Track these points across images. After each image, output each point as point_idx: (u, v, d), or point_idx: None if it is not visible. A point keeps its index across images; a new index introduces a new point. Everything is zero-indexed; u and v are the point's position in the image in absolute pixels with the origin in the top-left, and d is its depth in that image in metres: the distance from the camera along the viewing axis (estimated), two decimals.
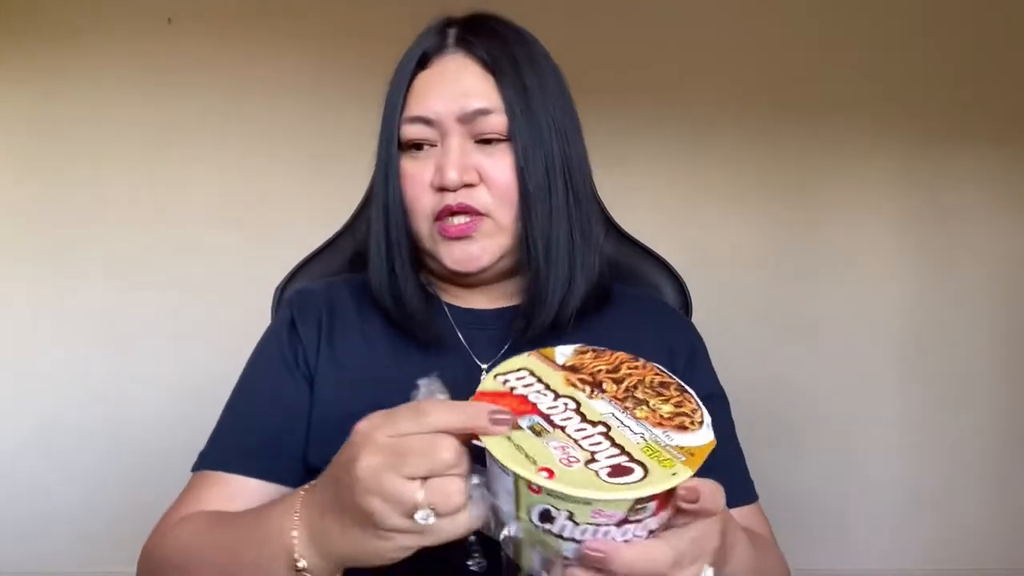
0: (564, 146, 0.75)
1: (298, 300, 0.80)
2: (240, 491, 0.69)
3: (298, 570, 0.52)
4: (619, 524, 0.46)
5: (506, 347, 0.76)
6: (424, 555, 0.51)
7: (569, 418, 0.51)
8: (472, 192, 0.71)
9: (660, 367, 0.57)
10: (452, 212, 0.71)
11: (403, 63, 0.76)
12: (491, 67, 0.73)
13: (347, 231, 1.01)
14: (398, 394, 0.72)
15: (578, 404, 0.52)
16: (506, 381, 0.55)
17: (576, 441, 0.49)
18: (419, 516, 0.45)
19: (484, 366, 0.75)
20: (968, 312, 2.31)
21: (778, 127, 2.29)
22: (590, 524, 0.46)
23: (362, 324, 0.77)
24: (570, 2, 2.21)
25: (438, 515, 0.46)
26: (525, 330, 0.75)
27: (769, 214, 2.29)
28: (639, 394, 0.54)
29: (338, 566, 0.52)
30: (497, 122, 0.72)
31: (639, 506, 0.46)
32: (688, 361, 0.79)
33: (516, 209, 0.73)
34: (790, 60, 2.29)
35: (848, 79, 2.29)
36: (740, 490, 0.76)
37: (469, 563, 0.52)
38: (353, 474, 0.47)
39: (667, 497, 0.47)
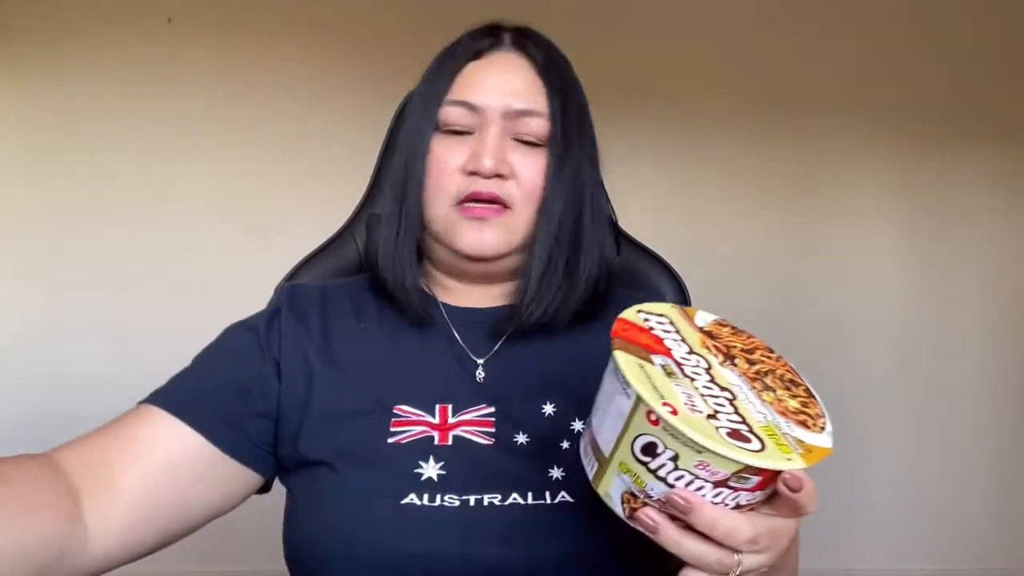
0: (589, 167, 0.78)
1: (290, 293, 0.80)
2: (177, 436, 0.68)
3: None
4: (716, 484, 0.46)
5: (499, 344, 0.77)
6: None
7: (699, 374, 0.51)
8: (503, 183, 0.73)
9: (793, 367, 0.58)
10: (480, 198, 0.72)
11: (456, 51, 0.77)
12: (544, 73, 0.76)
13: (347, 231, 1.01)
14: (395, 391, 0.73)
15: (709, 365, 0.52)
16: (647, 319, 0.55)
17: (702, 395, 0.48)
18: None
19: (480, 362, 0.75)
20: (968, 312, 2.31)
21: (778, 127, 2.29)
22: (689, 472, 0.46)
23: (359, 323, 0.77)
24: (570, 4, 2.21)
25: None
26: (511, 327, 0.76)
27: (769, 215, 2.29)
28: (769, 381, 0.54)
29: None
30: (539, 126, 0.74)
31: (744, 475, 0.46)
32: None
33: (536, 209, 0.74)
34: (790, 60, 2.29)
35: (848, 79, 2.29)
36: None
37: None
38: None
39: (771, 478, 0.47)
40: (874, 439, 2.30)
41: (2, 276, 2.16)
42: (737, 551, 0.48)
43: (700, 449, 0.44)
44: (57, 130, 2.16)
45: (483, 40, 0.77)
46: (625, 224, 1.03)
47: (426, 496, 0.65)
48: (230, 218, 2.18)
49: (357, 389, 0.72)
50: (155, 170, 2.18)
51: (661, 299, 0.95)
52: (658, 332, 0.54)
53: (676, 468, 0.46)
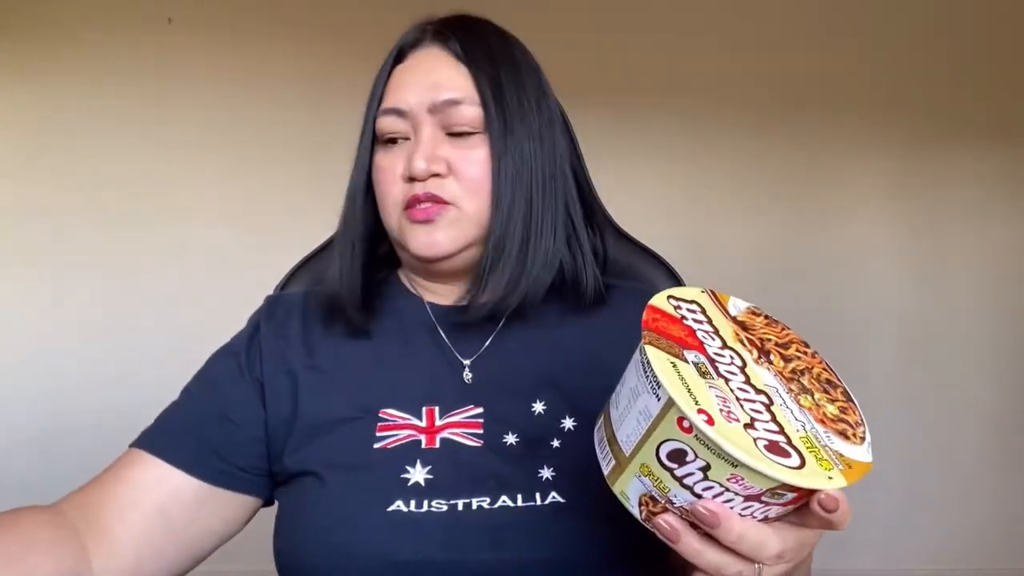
0: (538, 141, 0.74)
1: (268, 308, 0.80)
2: (164, 479, 0.69)
3: None
4: (747, 498, 0.43)
5: (487, 343, 0.76)
6: None
7: (734, 373, 0.48)
8: (440, 182, 0.71)
9: (829, 364, 0.54)
10: (419, 201, 0.71)
11: (385, 59, 0.77)
12: (465, 59, 0.73)
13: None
14: (381, 396, 0.72)
15: (744, 363, 0.49)
16: (678, 307, 0.52)
17: (738, 399, 0.45)
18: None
19: (467, 362, 0.74)
20: (967, 312, 2.31)
21: (777, 126, 2.29)
22: (720, 484, 0.43)
23: (343, 329, 0.76)
24: (569, 2, 2.21)
25: None
26: (493, 319, 0.75)
27: (768, 213, 2.29)
28: (806, 382, 0.50)
29: None
30: (468, 113, 0.71)
31: (780, 491, 0.43)
32: None
33: (485, 200, 0.72)
34: (789, 60, 2.29)
35: (847, 78, 2.29)
36: None
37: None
38: None
39: (806, 495, 0.44)
40: (874, 439, 2.29)
41: (2, 275, 2.16)
42: (760, 563, 0.46)
43: (736, 463, 0.41)
44: (57, 130, 2.17)
45: (406, 40, 0.76)
46: (624, 223, 1.03)
47: (413, 502, 0.64)
48: (230, 219, 2.19)
49: (342, 395, 0.71)
50: (155, 170, 2.18)
51: (652, 288, 0.94)
52: (690, 322, 0.51)
53: (705, 479, 0.43)
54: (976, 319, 2.31)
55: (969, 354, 2.31)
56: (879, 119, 2.30)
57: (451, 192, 0.71)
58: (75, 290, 2.16)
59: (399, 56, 0.76)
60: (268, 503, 0.76)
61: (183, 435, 0.71)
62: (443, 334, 0.77)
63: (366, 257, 0.78)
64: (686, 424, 0.42)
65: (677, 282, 0.99)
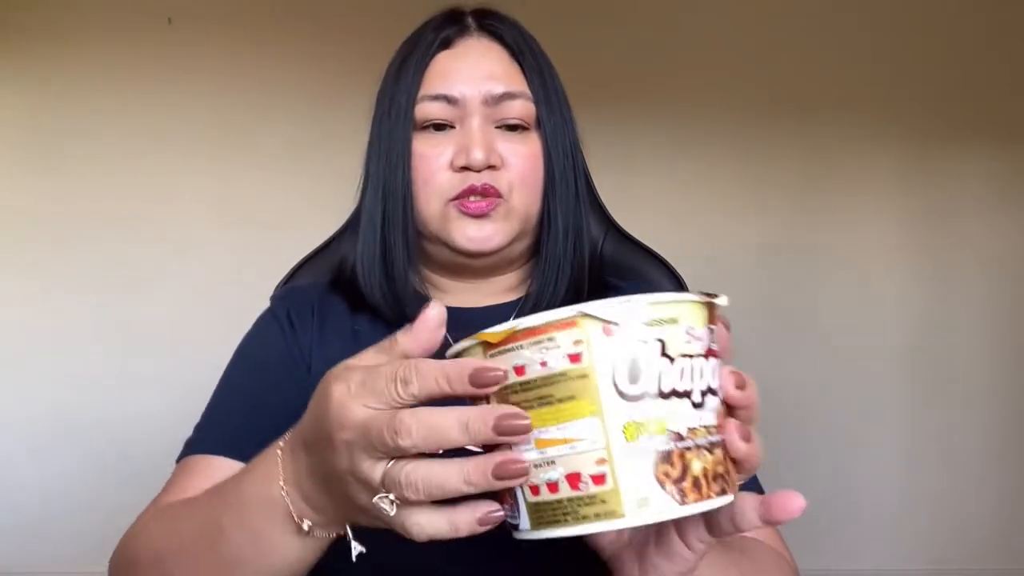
0: (574, 137, 0.76)
1: (291, 297, 0.79)
2: (229, 473, 0.67)
3: (304, 532, 0.47)
4: (707, 356, 0.39)
5: None
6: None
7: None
8: (495, 174, 0.70)
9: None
10: (475, 192, 0.70)
11: (420, 43, 0.74)
12: (517, 54, 0.73)
13: (346, 231, 1.01)
14: None
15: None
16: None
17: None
18: (375, 500, 0.40)
19: None
20: (968, 312, 2.31)
21: (778, 127, 2.29)
22: (684, 356, 0.37)
23: (352, 323, 0.76)
24: (571, 3, 2.21)
25: (403, 504, 0.40)
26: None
27: (769, 214, 2.29)
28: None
29: (338, 523, 0.47)
30: (522, 108, 0.72)
31: (712, 324, 0.40)
32: None
33: (535, 195, 0.73)
34: (790, 60, 2.29)
35: (848, 79, 2.29)
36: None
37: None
38: (330, 447, 0.41)
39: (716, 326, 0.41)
40: (874, 438, 2.30)
41: (3, 275, 2.16)
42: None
43: (677, 303, 0.37)
44: (57, 130, 2.16)
45: (448, 28, 0.74)
46: (625, 223, 1.03)
47: None
48: (229, 217, 2.18)
49: None
50: (155, 170, 2.18)
51: (653, 286, 0.94)
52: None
53: (672, 361, 0.37)
54: (977, 319, 2.31)
55: (970, 354, 2.31)
56: (881, 119, 2.30)
57: (505, 185, 0.71)
58: (75, 290, 2.16)
59: (444, 42, 0.73)
60: None
61: (249, 430, 0.66)
62: (449, 336, 0.76)
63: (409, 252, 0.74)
64: (611, 327, 0.36)
65: (678, 282, 0.99)
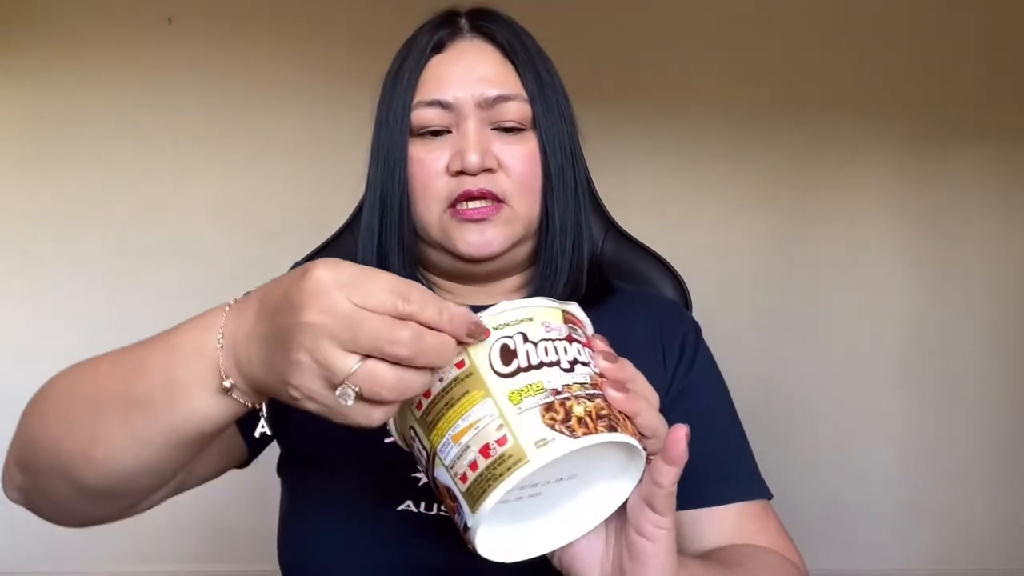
0: (573, 135, 0.76)
1: None
2: None
3: (224, 390, 0.47)
4: (569, 340, 0.47)
5: None
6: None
7: None
8: (492, 177, 0.70)
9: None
10: (472, 197, 0.70)
11: (414, 48, 0.74)
12: (510, 54, 0.73)
13: (346, 231, 1.01)
14: None
15: None
16: None
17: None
18: (339, 392, 0.41)
19: None
20: (968, 312, 2.31)
21: (778, 127, 2.29)
22: (547, 343, 0.46)
23: None
24: (571, 4, 2.21)
25: (360, 398, 0.42)
26: None
27: (769, 214, 2.29)
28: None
29: (256, 392, 0.48)
30: (517, 109, 0.71)
31: (573, 323, 0.49)
32: (681, 349, 0.78)
33: (535, 197, 0.72)
34: (790, 60, 2.29)
35: (847, 79, 2.29)
36: (738, 484, 0.73)
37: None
38: (294, 320, 0.42)
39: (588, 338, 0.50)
40: (874, 438, 2.30)
41: (3, 275, 2.16)
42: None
43: (526, 308, 0.47)
44: (57, 130, 2.16)
45: (441, 31, 0.74)
46: (624, 223, 1.03)
47: (423, 504, 0.64)
48: (229, 218, 2.18)
49: None
50: (154, 170, 2.18)
51: (658, 293, 0.95)
52: None
53: (535, 344, 0.46)
54: (976, 319, 2.31)
55: (969, 354, 2.31)
56: (879, 120, 2.30)
57: (503, 188, 0.71)
58: (75, 290, 2.16)
59: (437, 46, 0.73)
60: (242, 466, 0.75)
61: None
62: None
63: (408, 257, 0.75)
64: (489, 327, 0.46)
65: (679, 283, 0.99)
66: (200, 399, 0.48)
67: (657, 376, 0.76)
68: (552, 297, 0.57)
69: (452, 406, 0.44)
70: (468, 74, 0.71)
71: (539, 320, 0.46)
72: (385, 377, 0.41)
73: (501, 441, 0.43)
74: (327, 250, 1.01)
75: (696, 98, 2.28)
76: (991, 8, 2.29)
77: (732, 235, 2.28)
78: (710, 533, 0.71)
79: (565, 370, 0.45)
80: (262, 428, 0.49)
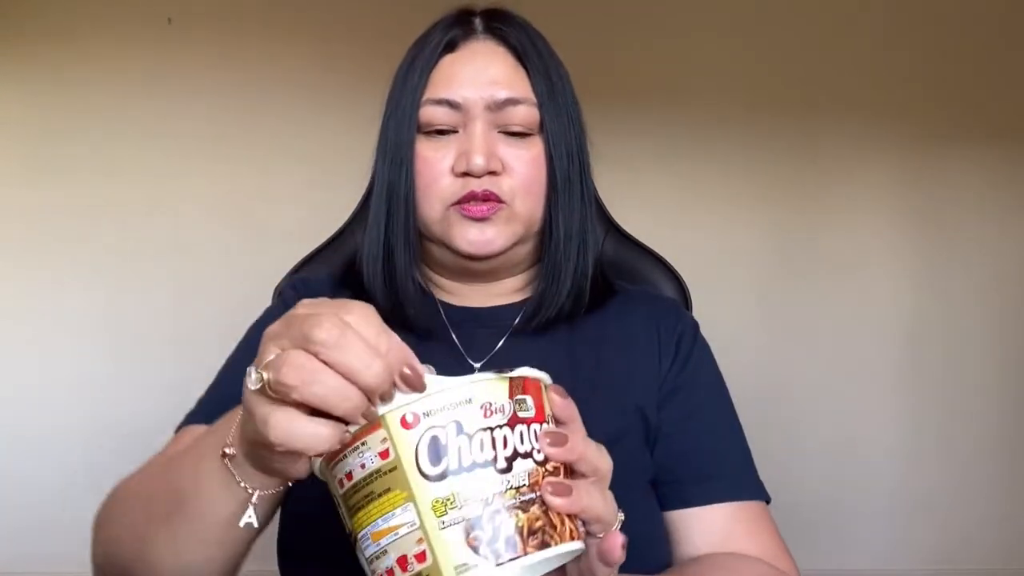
0: (581, 140, 0.76)
1: (304, 288, 0.80)
2: None
3: (224, 456, 0.47)
4: (511, 424, 0.42)
5: (499, 345, 0.76)
6: None
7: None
8: (496, 180, 0.70)
9: None
10: (475, 197, 0.70)
11: (427, 45, 0.74)
12: (522, 57, 0.73)
13: (347, 231, 1.01)
14: None
15: None
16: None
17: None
18: (249, 368, 0.40)
19: (477, 365, 0.75)
20: (968, 313, 2.31)
21: (778, 128, 2.29)
22: (482, 431, 0.41)
23: None
24: (570, 4, 2.21)
25: (265, 394, 0.40)
26: (532, 319, 0.75)
27: (769, 215, 2.29)
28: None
29: (253, 458, 0.47)
30: (525, 114, 0.71)
31: (521, 395, 0.43)
32: (677, 346, 0.78)
33: (537, 200, 0.73)
34: (790, 61, 2.29)
35: (847, 80, 2.29)
36: (727, 484, 0.73)
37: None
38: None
39: (539, 397, 0.45)
40: (874, 438, 2.30)
41: (3, 275, 2.16)
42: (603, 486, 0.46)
43: (468, 390, 0.41)
44: (57, 130, 2.16)
45: (454, 30, 0.74)
46: (625, 223, 1.03)
47: None
48: (229, 217, 2.18)
49: None
50: (154, 169, 2.18)
51: (658, 292, 0.95)
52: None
53: (470, 437, 0.40)
54: (977, 320, 2.31)
55: (970, 355, 2.31)
56: (881, 120, 2.30)
57: (507, 190, 0.71)
58: (75, 289, 2.16)
59: (449, 45, 0.73)
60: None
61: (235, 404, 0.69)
62: (454, 335, 0.76)
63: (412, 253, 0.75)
64: (408, 418, 0.40)
65: (679, 283, 0.99)
66: (216, 491, 0.48)
67: (651, 373, 0.76)
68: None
69: (373, 500, 0.41)
70: (479, 75, 0.71)
71: (479, 401, 0.41)
72: (295, 361, 0.38)
73: (420, 557, 0.40)
74: (327, 250, 1.01)
75: (697, 99, 2.28)
76: (991, 8, 2.29)
77: (732, 235, 2.28)
78: (697, 534, 0.70)
79: (501, 470, 0.41)
80: (248, 518, 0.48)
